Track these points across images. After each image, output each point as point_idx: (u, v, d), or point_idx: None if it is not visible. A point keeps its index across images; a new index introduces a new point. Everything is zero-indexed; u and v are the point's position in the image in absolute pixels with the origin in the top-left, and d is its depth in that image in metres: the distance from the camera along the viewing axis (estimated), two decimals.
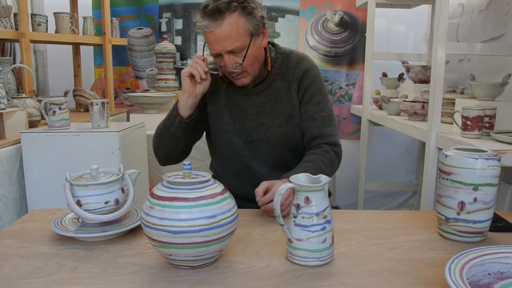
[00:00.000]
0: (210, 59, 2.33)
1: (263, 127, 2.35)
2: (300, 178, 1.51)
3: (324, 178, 1.48)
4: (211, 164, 2.67)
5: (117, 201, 1.74)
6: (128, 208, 1.76)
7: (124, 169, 1.83)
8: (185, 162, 1.48)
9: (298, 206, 1.46)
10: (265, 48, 2.32)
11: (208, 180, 1.46)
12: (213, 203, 1.39)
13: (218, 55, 2.18)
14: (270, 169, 2.40)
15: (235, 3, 2.09)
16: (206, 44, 2.20)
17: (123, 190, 1.78)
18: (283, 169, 2.28)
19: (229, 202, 1.45)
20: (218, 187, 1.47)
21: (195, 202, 1.37)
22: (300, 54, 2.42)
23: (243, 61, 2.15)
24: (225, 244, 1.44)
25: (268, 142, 2.36)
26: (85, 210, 1.68)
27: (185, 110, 2.27)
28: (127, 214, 1.88)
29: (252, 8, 2.13)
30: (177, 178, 1.46)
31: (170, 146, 2.39)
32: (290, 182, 1.79)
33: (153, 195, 1.43)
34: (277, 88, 2.34)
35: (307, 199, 1.44)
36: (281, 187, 1.47)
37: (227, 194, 1.48)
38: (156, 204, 1.39)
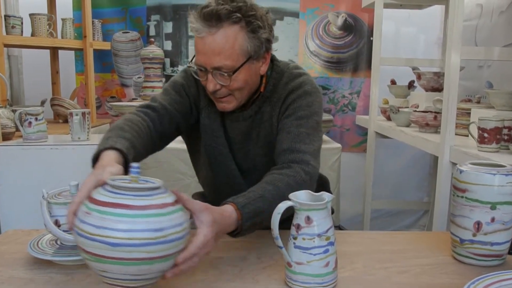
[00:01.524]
0: None
1: (249, 154, 2.24)
2: (300, 196, 1.51)
3: (326, 196, 1.47)
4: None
5: None
6: None
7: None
8: (134, 164, 1.40)
9: (298, 227, 1.45)
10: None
11: (158, 188, 1.37)
12: (162, 214, 1.30)
13: (202, 69, 2.01)
14: None
15: (239, 14, 1.93)
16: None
17: None
18: None
19: (181, 215, 1.36)
20: (170, 197, 1.38)
21: (140, 211, 1.28)
22: (295, 72, 2.21)
23: (229, 83, 1.99)
24: (170, 264, 1.34)
25: (255, 172, 2.20)
26: (64, 230, 1.67)
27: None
28: None
29: (258, 26, 1.98)
30: (123, 182, 1.35)
31: None
32: (235, 207, 1.65)
33: (91, 199, 1.33)
34: (262, 113, 2.19)
35: (308, 219, 1.44)
36: (280, 206, 1.46)
37: (180, 206, 1.39)
38: (94, 210, 1.29)
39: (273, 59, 2.23)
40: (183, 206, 1.43)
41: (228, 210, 1.66)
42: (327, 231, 1.44)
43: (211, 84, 1.99)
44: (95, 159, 1.70)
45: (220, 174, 2.30)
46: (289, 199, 1.47)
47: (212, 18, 1.90)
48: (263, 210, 1.70)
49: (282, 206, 1.46)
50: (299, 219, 1.45)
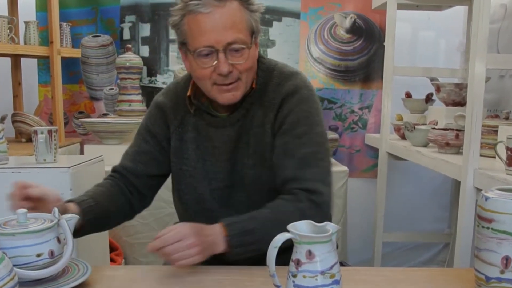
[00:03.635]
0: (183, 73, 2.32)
1: (236, 166, 2.28)
2: (301, 227, 1.51)
3: (331, 227, 1.48)
4: None
5: (52, 253, 1.74)
6: (66, 262, 1.77)
7: (60, 213, 1.83)
8: None
9: (298, 262, 1.46)
10: None
11: None
12: None
13: (209, 52, 2.08)
14: None
15: None
16: (183, 43, 2.16)
17: (59, 240, 1.78)
18: None
19: None
20: None
21: None
22: (286, 71, 2.31)
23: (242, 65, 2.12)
24: None
25: (243, 187, 2.28)
26: (14, 265, 1.62)
27: None
28: (66, 269, 1.87)
29: (252, 2, 2.15)
30: None
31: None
32: (222, 224, 1.90)
33: None
34: (253, 117, 2.25)
35: (310, 253, 1.44)
36: (277, 239, 1.47)
37: None
38: None
39: (258, 56, 2.32)
40: None
41: (214, 227, 1.99)
42: (331, 267, 1.44)
43: (225, 65, 2.07)
44: None
45: (189, 200, 2.38)
46: (286, 225, 1.48)
47: None
48: (253, 228, 1.99)
49: (279, 239, 1.46)
50: (299, 253, 1.45)
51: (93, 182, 3.31)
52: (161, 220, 3.87)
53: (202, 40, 2.05)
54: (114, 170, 2.43)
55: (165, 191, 3.21)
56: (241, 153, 2.26)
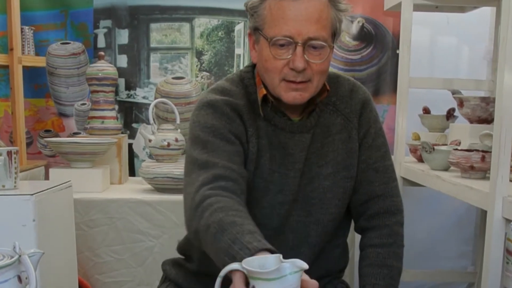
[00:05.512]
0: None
1: (306, 177, 2.31)
2: (269, 261, 1.52)
3: (289, 265, 1.47)
4: (184, 241, 2.57)
5: None
6: None
7: (23, 248, 1.79)
8: None
9: None
10: None
11: None
12: None
13: (286, 43, 2.11)
14: (298, 248, 2.32)
15: None
16: (256, 28, 2.19)
17: (20, 279, 1.76)
18: (312, 252, 2.31)
19: None
20: None
21: None
22: (351, 80, 2.47)
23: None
24: None
25: (307, 202, 2.31)
26: None
27: None
28: None
29: (341, 1, 2.19)
30: None
31: None
32: None
33: None
34: (327, 124, 2.34)
35: None
36: (225, 268, 1.51)
37: None
38: None
39: None
40: None
41: None
42: None
43: (301, 60, 2.11)
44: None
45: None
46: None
47: None
48: None
49: (226, 268, 1.51)
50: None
51: (60, 211, 3.32)
52: (138, 255, 3.77)
53: (282, 29, 2.09)
54: (224, 177, 2.07)
55: (142, 221, 3.18)
56: (314, 162, 2.32)
